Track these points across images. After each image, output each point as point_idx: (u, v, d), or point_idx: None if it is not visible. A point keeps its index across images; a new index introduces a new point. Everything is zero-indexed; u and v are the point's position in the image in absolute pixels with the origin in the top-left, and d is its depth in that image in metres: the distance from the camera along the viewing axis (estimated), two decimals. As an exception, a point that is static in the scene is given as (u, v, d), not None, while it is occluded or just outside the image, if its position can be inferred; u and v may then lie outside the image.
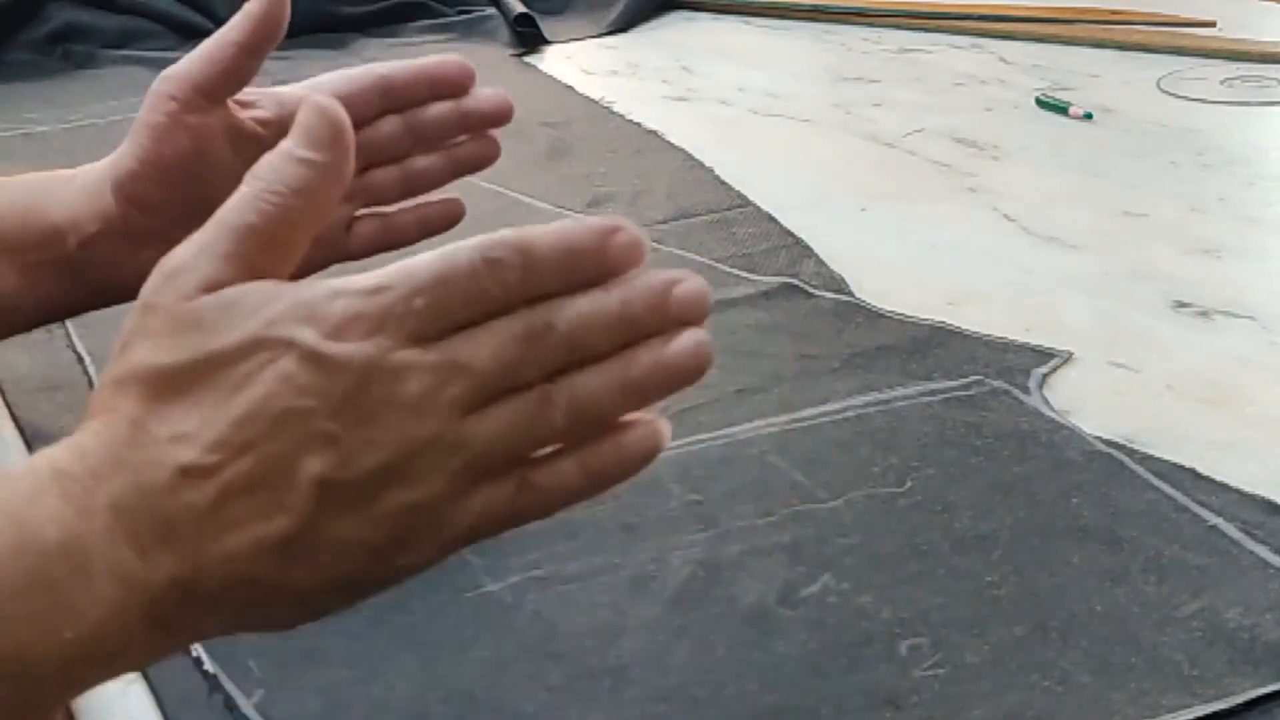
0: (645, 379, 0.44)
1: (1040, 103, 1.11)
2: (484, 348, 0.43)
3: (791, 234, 0.89)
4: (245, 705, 0.51)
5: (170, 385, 0.42)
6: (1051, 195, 0.95)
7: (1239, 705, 0.49)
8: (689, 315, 0.44)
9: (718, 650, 0.53)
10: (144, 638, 0.41)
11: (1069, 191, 0.96)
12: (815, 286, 0.82)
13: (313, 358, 0.41)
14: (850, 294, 0.81)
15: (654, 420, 0.45)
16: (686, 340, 0.44)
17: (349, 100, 0.56)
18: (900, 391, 0.70)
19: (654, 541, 0.59)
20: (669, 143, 1.08)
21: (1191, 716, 0.49)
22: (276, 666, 0.53)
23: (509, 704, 0.51)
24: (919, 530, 0.59)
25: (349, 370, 0.41)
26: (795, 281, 0.82)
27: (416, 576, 0.44)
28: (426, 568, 0.44)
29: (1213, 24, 1.28)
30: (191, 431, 0.41)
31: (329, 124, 0.44)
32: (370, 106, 0.67)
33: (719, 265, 0.85)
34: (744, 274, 0.84)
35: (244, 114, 0.66)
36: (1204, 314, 0.77)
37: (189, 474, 0.41)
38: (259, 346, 0.42)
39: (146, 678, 0.52)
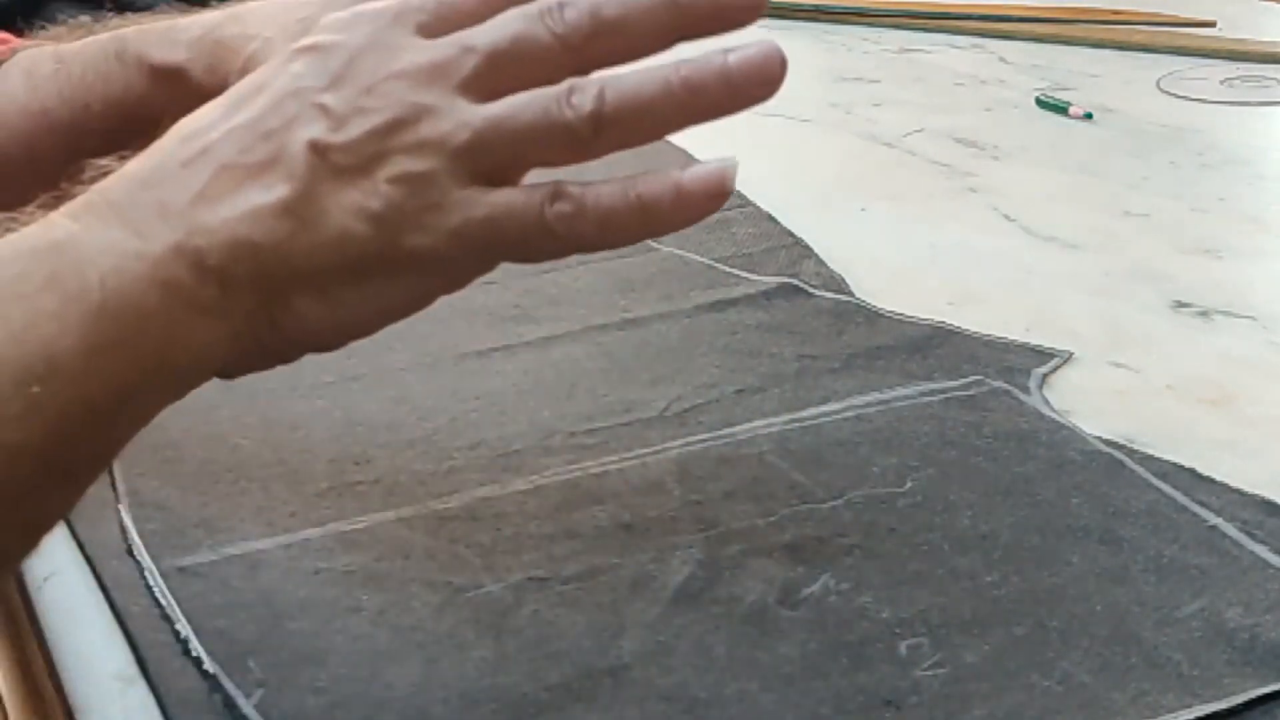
0: (700, 84, 0.43)
1: (1040, 103, 1.11)
2: (488, 27, 0.44)
3: (791, 234, 0.89)
4: (245, 705, 0.51)
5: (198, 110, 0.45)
6: (1051, 195, 0.95)
7: (1239, 705, 0.49)
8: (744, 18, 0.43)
9: (718, 650, 0.53)
10: (168, 318, 0.41)
11: (1069, 191, 0.96)
12: (815, 286, 0.82)
13: (313, 49, 0.44)
14: (850, 294, 0.81)
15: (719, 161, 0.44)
16: (754, 49, 0.42)
17: None
18: (900, 391, 0.70)
19: (654, 541, 0.59)
20: (669, 142, 1.07)
21: (1191, 716, 0.49)
22: (276, 666, 0.53)
23: (509, 704, 0.51)
24: (919, 530, 0.59)
25: (344, 48, 0.43)
26: (795, 281, 0.82)
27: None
28: (442, 259, 0.44)
29: (1213, 24, 1.28)
30: (199, 129, 0.43)
31: None
32: None
33: (719, 265, 0.85)
34: (744, 274, 0.84)
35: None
36: (1204, 314, 0.77)
37: (189, 163, 0.43)
38: (277, 62, 0.44)
39: (147, 677, 0.52)
